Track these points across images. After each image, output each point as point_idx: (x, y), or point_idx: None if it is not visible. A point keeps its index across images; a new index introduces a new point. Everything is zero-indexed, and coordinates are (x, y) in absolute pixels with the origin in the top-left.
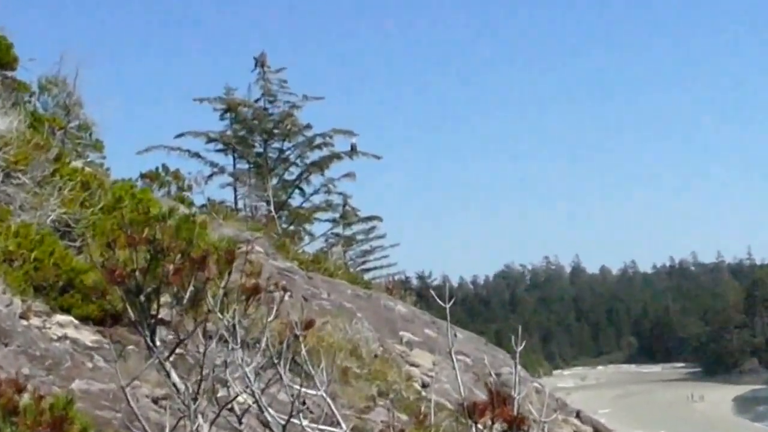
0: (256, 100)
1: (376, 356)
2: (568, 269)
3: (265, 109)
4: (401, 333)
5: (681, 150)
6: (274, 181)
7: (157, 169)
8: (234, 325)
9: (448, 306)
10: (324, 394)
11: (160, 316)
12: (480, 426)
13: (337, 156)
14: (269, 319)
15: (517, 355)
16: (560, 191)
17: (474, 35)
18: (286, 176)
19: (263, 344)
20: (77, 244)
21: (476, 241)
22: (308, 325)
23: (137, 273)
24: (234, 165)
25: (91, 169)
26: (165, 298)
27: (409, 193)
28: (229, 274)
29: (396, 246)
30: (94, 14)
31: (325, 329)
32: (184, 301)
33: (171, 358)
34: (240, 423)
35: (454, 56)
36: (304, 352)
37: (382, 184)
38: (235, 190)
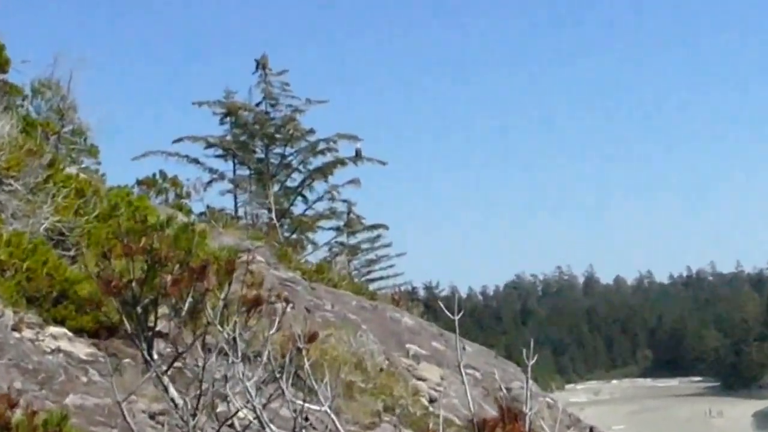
0: (257, 104)
1: (381, 370)
2: (581, 279)
3: (267, 113)
4: (408, 346)
5: (699, 157)
6: (276, 187)
7: (154, 175)
8: (234, 338)
9: (456, 318)
10: (328, 410)
11: (157, 329)
12: None
13: (341, 162)
14: (271, 332)
15: (529, 368)
16: (573, 199)
17: (484, 37)
18: (288, 183)
19: (265, 358)
20: (71, 253)
21: (486, 250)
22: (311, 337)
23: (134, 284)
24: (234, 171)
25: (85, 175)
26: (163, 310)
27: (416, 201)
28: (230, 284)
29: (402, 255)
30: (89, 15)
31: (328, 342)
32: (183, 313)
33: (169, 372)
34: None
35: (463, 59)
36: (307, 365)
37: (388, 191)
38: (236, 198)
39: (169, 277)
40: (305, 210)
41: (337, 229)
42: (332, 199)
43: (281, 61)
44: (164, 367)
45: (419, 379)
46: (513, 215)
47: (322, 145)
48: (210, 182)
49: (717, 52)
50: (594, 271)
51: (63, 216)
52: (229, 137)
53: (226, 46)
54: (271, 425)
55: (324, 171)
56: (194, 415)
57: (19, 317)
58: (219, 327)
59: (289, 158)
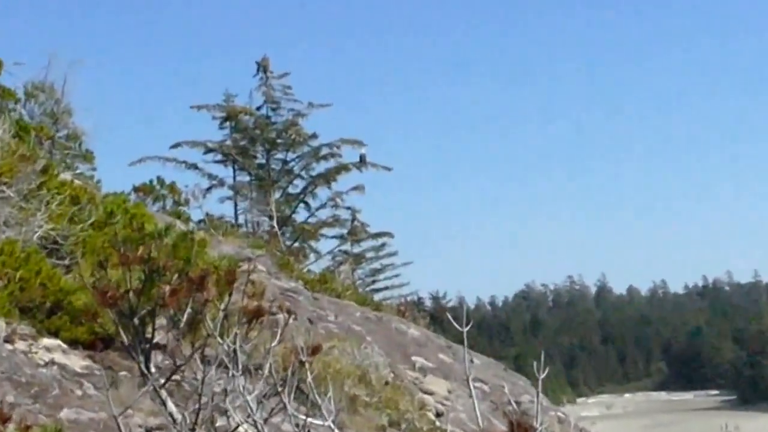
0: (258, 108)
1: (386, 383)
2: (593, 289)
3: (268, 117)
4: (414, 358)
5: (716, 163)
6: (278, 194)
7: (151, 181)
8: (235, 350)
9: (465, 330)
10: (331, 425)
11: (155, 341)
12: None
13: (344, 168)
14: (272, 344)
15: (540, 382)
16: (585, 206)
17: (495, 41)
18: (290, 189)
19: (266, 371)
20: (66, 262)
21: (495, 259)
22: (314, 350)
23: (131, 294)
24: (234, 177)
25: (80, 181)
26: (160, 321)
27: (423, 208)
28: (230, 295)
29: (408, 264)
30: (84, 15)
31: (332, 354)
32: (181, 325)
33: (167, 386)
34: None
35: (473, 63)
36: (309, 379)
37: (393, 198)
38: (236, 205)
39: (167, 288)
40: (308, 217)
41: (341, 237)
42: (336, 206)
43: (283, 64)
44: (162, 381)
45: (426, 392)
46: (523, 223)
47: (325, 151)
48: (209, 189)
49: (737, 52)
50: (606, 280)
51: (57, 224)
52: (228, 142)
53: (226, 47)
54: None
55: (327, 177)
56: (193, 430)
57: (12, 328)
58: (219, 339)
59: (291, 164)
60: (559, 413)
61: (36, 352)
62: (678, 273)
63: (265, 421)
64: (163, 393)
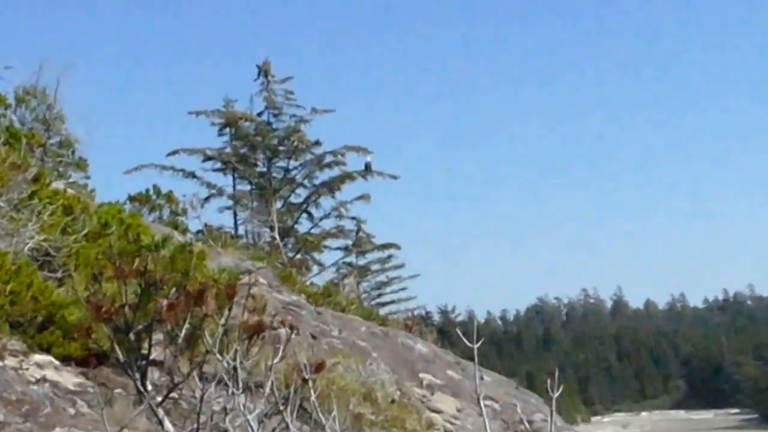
0: (259, 114)
1: (393, 401)
2: (608, 303)
3: (269, 123)
4: (421, 375)
5: (736, 173)
6: (279, 204)
7: (147, 190)
8: (235, 367)
9: (476, 346)
10: None
11: (151, 357)
12: None
13: (349, 176)
14: (274, 361)
15: (554, 400)
16: (600, 217)
17: (507, 44)
18: (293, 199)
19: (267, 388)
20: (58, 275)
21: (506, 271)
22: (318, 367)
23: (126, 308)
24: (234, 186)
25: (73, 190)
26: (157, 337)
27: (431, 218)
28: (230, 309)
29: (416, 277)
30: (76, 18)
31: (336, 371)
32: (179, 340)
33: (164, 404)
34: None
35: (482, 66)
36: (313, 397)
37: (400, 208)
38: (235, 215)
39: (164, 302)
40: (311, 228)
41: (345, 248)
42: (340, 216)
43: (285, 68)
44: (159, 399)
45: (434, 410)
46: (535, 234)
47: (329, 158)
48: (208, 198)
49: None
50: (622, 294)
51: (49, 235)
52: (228, 149)
53: (226, 51)
54: None
55: (331, 186)
56: None
57: (2, 344)
58: (218, 355)
59: (294, 172)
60: None
61: (27, 369)
62: (697, 286)
63: None
64: (160, 412)
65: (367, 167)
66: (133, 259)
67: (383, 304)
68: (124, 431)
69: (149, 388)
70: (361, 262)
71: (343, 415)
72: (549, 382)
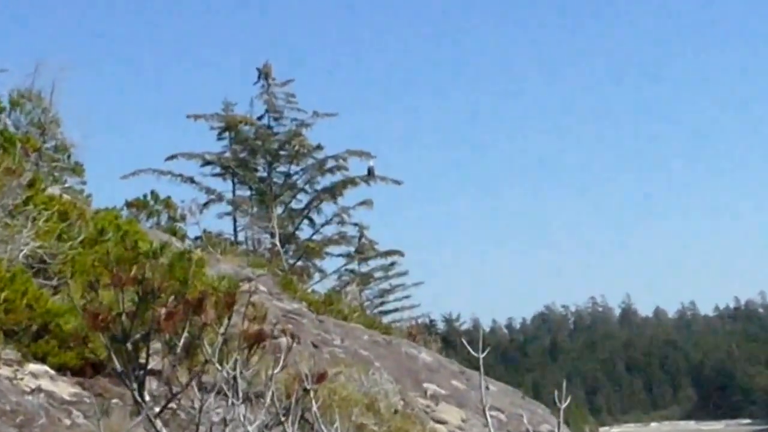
0: (260, 117)
1: (396, 411)
2: (617, 311)
3: (270, 127)
4: (425, 385)
5: (747, 178)
6: (280, 209)
7: (145, 196)
8: (234, 377)
9: (481, 355)
10: None
11: (149, 367)
12: None
13: (351, 181)
14: (275, 370)
15: (561, 410)
16: (608, 223)
17: (515, 45)
18: (294, 204)
19: (268, 399)
20: (54, 282)
21: (512, 279)
22: (320, 377)
23: (123, 317)
24: (233, 191)
25: (69, 196)
26: (155, 346)
27: (435, 225)
28: (229, 318)
29: (419, 284)
30: (70, 20)
31: (338, 381)
32: (178, 350)
33: (162, 415)
34: None
35: (488, 68)
36: (314, 407)
37: (403, 214)
38: (235, 221)
39: (162, 310)
40: (312, 234)
41: (348, 255)
42: (342, 222)
43: (286, 70)
44: (157, 409)
45: (438, 421)
46: (542, 241)
47: (330, 163)
48: (207, 204)
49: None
50: (631, 302)
51: (44, 241)
52: (227, 154)
53: (225, 53)
54: None
55: (333, 191)
56: None
57: None
58: (217, 365)
59: (295, 177)
60: None
61: (22, 379)
62: (708, 294)
63: None
64: (158, 422)
65: (370, 172)
66: (131, 266)
67: (386, 312)
68: None
69: (147, 398)
70: (364, 269)
71: (345, 426)
72: (556, 392)
